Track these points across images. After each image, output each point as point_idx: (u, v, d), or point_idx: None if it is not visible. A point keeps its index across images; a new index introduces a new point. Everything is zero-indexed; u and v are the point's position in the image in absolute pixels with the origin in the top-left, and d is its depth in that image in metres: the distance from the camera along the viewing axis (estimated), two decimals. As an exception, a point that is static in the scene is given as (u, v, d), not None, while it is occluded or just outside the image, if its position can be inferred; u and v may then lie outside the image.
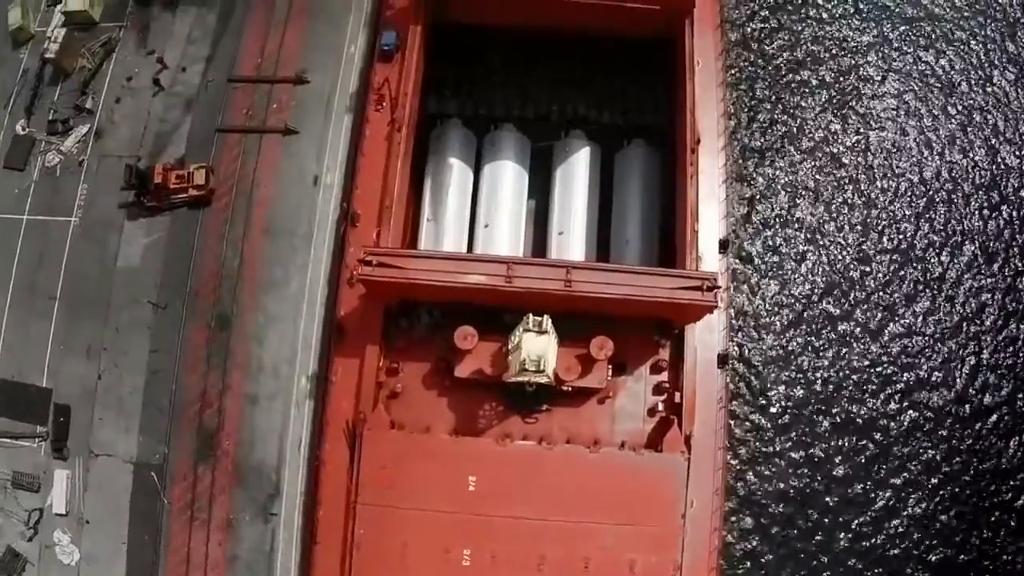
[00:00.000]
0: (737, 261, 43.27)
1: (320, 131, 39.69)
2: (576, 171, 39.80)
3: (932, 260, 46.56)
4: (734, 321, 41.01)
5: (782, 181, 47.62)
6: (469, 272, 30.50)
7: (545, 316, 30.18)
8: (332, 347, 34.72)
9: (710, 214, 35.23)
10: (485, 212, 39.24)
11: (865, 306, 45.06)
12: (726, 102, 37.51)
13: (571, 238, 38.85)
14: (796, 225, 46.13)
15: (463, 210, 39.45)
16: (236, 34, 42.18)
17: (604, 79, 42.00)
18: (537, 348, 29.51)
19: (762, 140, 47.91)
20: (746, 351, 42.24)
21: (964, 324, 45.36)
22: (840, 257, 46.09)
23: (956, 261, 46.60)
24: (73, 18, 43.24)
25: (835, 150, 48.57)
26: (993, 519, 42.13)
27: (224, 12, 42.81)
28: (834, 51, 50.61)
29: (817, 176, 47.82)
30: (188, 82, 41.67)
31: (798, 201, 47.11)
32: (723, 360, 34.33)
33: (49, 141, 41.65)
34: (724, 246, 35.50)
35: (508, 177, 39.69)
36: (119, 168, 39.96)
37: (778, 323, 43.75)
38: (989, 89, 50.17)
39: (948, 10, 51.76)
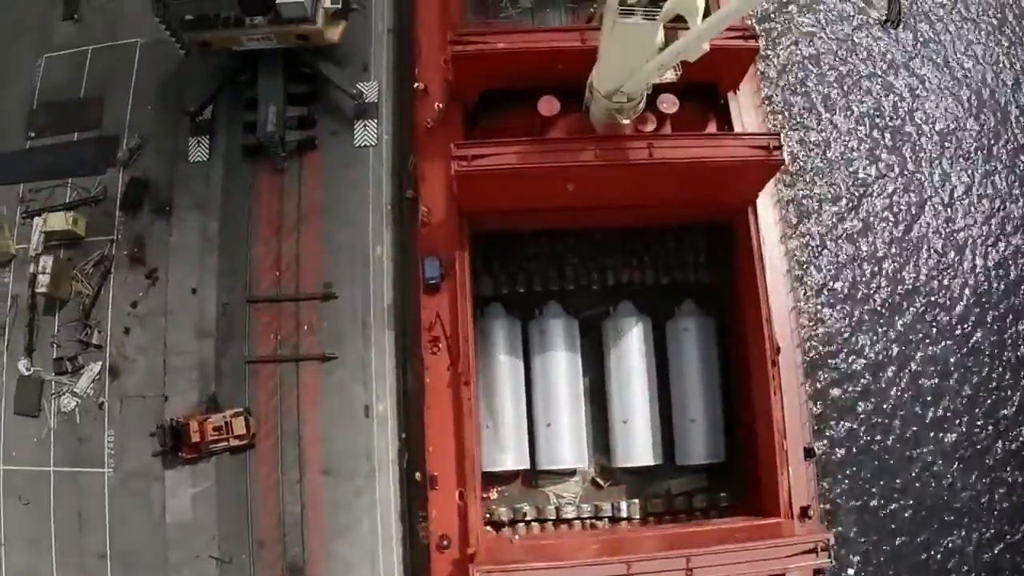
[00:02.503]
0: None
1: (361, 354, 37.27)
2: (630, 351, 38.10)
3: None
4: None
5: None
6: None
7: None
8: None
9: (793, 422, 33.98)
10: (543, 410, 37.68)
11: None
12: (795, 294, 35.30)
13: (635, 423, 37.65)
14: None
15: (520, 409, 37.75)
16: (244, 242, 38.84)
17: (641, 239, 39.80)
18: None
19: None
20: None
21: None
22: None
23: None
24: (56, 236, 39.35)
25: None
26: None
27: (226, 216, 39.24)
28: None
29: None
30: (204, 301, 38.48)
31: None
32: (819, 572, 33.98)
33: (60, 382, 38.47)
34: (810, 453, 34.42)
35: (561, 366, 37.94)
36: (145, 408, 37.63)
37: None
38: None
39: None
